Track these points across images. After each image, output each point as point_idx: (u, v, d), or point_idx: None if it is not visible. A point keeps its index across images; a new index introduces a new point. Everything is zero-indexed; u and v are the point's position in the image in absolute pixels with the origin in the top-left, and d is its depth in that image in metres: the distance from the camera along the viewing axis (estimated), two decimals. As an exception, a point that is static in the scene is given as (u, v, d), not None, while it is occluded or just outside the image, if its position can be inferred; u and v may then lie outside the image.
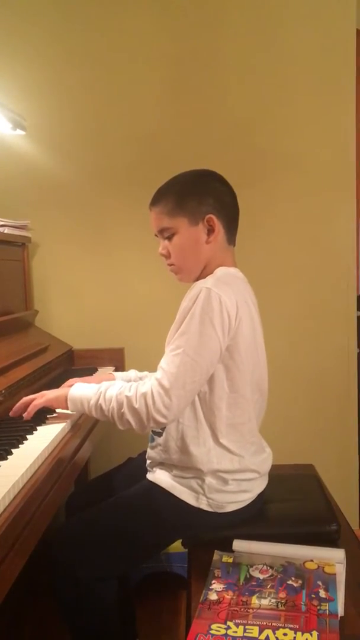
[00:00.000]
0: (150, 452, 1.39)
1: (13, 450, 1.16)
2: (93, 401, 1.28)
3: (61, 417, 1.40)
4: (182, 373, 1.19)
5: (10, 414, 1.39)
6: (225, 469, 1.29)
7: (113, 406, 1.24)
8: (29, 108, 2.14)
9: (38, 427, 1.32)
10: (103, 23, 2.14)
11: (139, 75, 2.16)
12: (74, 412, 1.38)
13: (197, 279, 1.34)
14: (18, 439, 1.21)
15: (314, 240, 2.22)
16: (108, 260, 2.23)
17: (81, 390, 1.33)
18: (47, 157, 2.18)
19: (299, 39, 2.15)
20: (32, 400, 1.37)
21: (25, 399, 1.39)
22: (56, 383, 1.68)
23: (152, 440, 1.38)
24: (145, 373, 1.62)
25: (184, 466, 1.30)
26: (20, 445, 1.20)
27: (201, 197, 1.31)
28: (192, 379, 1.21)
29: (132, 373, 1.61)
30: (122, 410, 1.23)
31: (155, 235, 1.38)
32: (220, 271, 1.30)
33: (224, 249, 1.35)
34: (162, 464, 1.35)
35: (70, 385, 1.40)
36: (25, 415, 1.36)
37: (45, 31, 2.14)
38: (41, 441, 1.22)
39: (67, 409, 1.35)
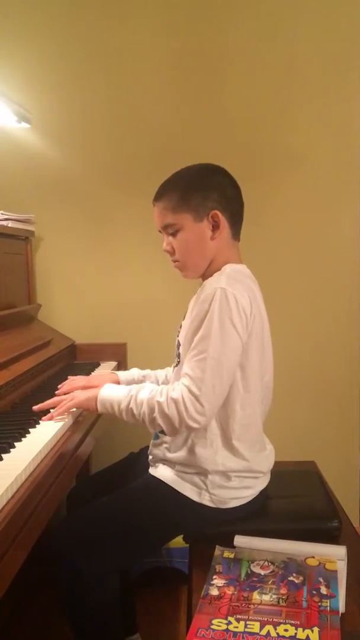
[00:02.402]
0: (153, 449, 1.39)
1: (16, 444, 1.16)
2: (124, 405, 1.26)
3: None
4: (209, 377, 1.18)
5: (35, 408, 1.38)
6: (230, 469, 1.29)
7: (144, 410, 1.22)
8: (34, 101, 2.14)
9: (40, 421, 1.32)
10: (108, 17, 2.13)
11: (145, 69, 2.15)
12: (102, 414, 1.36)
13: (203, 276, 1.34)
14: (20, 433, 1.21)
15: (318, 237, 2.21)
16: (111, 254, 2.23)
17: (111, 392, 1.31)
18: (52, 150, 2.17)
19: (305, 33, 2.13)
20: (62, 400, 1.36)
21: (56, 399, 1.38)
22: (58, 377, 1.68)
23: (157, 437, 1.38)
24: (148, 371, 1.61)
25: (188, 464, 1.30)
26: (22, 439, 1.20)
27: (206, 192, 1.30)
28: (221, 381, 1.20)
29: (134, 372, 1.60)
30: (154, 415, 1.21)
31: (159, 231, 1.37)
32: (229, 268, 1.29)
33: (229, 244, 1.35)
34: (165, 460, 1.35)
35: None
36: (54, 413, 1.34)
37: (51, 24, 2.13)
38: (43, 435, 1.22)
39: (97, 410, 1.32)
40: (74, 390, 1.41)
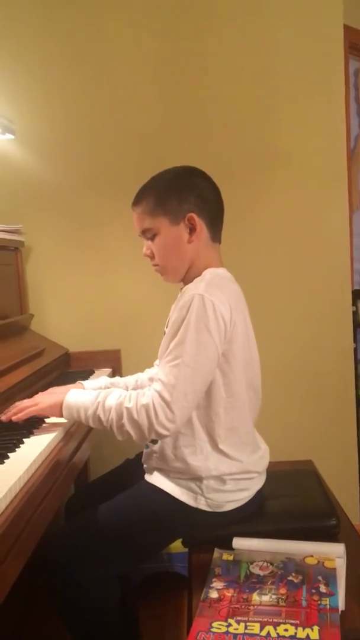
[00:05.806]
0: (146, 459, 1.38)
1: (9, 454, 1.15)
2: (91, 411, 1.24)
3: (54, 427, 1.35)
4: (182, 384, 1.17)
5: (2, 417, 1.35)
6: (223, 473, 1.29)
7: (112, 417, 1.21)
8: (18, 112, 2.14)
9: (34, 431, 1.32)
10: (93, 25, 2.13)
11: (130, 76, 2.15)
12: (68, 420, 1.33)
13: (184, 279, 1.34)
14: (15, 443, 1.21)
15: (307, 236, 2.22)
16: (102, 262, 2.23)
17: (77, 398, 1.28)
18: (38, 161, 2.17)
19: (288, 34, 2.15)
20: (26, 407, 1.33)
21: (19, 405, 1.35)
22: (53, 386, 1.67)
23: (147, 447, 1.37)
24: (117, 379, 1.61)
25: (182, 472, 1.30)
26: (16, 449, 1.19)
27: (181, 195, 1.29)
28: (193, 389, 1.19)
29: (102, 380, 1.57)
30: (122, 422, 1.19)
31: (139, 235, 1.37)
32: (209, 274, 1.28)
33: (209, 247, 1.34)
34: (159, 469, 1.34)
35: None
36: (14, 417, 1.31)
37: (33, 33, 2.14)
38: (38, 445, 1.22)
39: (62, 416, 1.30)
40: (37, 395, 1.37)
